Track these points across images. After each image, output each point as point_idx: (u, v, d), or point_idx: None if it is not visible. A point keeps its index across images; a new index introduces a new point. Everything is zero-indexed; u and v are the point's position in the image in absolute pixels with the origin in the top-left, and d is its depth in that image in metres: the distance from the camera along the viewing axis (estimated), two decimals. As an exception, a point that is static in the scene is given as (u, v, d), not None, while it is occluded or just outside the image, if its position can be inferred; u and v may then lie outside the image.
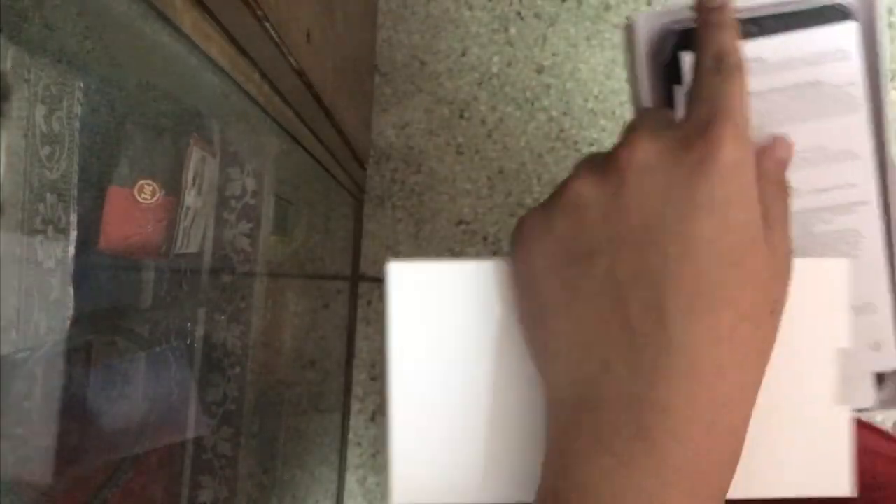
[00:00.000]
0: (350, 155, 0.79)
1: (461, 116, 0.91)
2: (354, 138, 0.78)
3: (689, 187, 0.21)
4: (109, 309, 0.41)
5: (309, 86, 0.53)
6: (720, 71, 0.23)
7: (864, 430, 0.65)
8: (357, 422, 0.91)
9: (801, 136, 0.25)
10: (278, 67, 0.46)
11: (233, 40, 0.39)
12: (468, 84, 0.90)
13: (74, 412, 0.37)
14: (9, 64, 0.26)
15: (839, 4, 0.26)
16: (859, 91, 0.25)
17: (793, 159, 0.24)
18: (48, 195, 0.32)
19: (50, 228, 0.32)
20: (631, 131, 0.23)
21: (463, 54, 0.91)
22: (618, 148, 0.23)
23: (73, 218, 0.34)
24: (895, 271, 0.27)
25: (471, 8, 0.91)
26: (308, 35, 0.51)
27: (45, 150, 0.31)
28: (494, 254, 0.90)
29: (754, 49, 0.25)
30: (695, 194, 0.21)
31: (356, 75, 0.78)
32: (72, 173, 0.33)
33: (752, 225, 0.22)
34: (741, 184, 0.21)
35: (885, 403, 0.28)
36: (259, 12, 0.40)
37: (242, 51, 0.41)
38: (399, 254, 0.90)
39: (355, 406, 0.91)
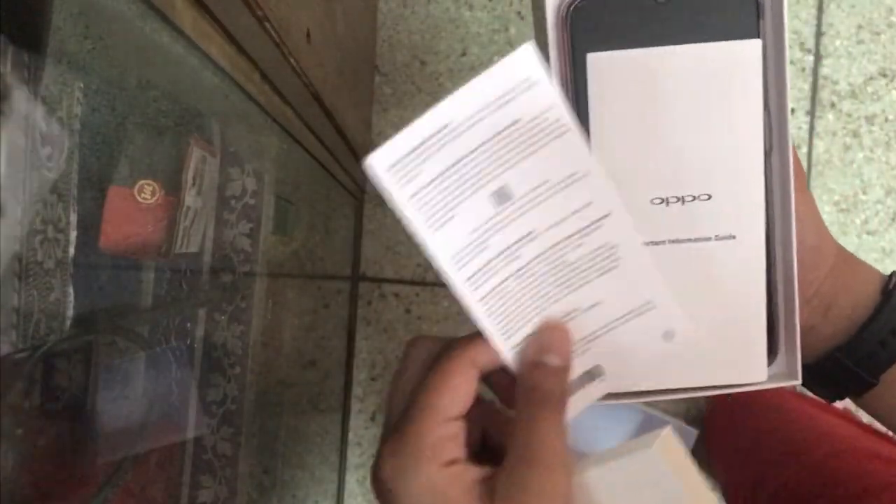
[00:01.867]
0: (350, 155, 0.79)
1: (461, 116, 0.91)
2: (354, 138, 0.78)
3: None
4: (109, 309, 0.41)
5: (309, 86, 0.53)
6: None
7: (867, 433, 0.65)
8: (357, 422, 0.91)
9: (523, 178, 0.25)
10: (278, 67, 0.46)
11: (233, 40, 0.39)
12: (468, 84, 0.90)
13: (74, 412, 0.37)
14: (9, 64, 0.26)
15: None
16: (559, 112, 0.24)
17: (523, 201, 0.25)
18: (48, 195, 0.32)
19: (50, 228, 0.32)
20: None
21: (463, 54, 0.91)
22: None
23: (73, 218, 0.34)
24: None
25: (471, 8, 0.91)
26: (308, 35, 0.51)
27: (45, 150, 0.31)
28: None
29: (440, 119, 0.24)
30: None
31: (356, 75, 0.78)
32: (72, 173, 0.33)
33: None
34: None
35: (777, 378, 0.29)
36: (259, 12, 0.40)
37: (242, 51, 0.41)
38: (399, 254, 0.90)
39: (355, 406, 0.91)
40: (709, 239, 0.28)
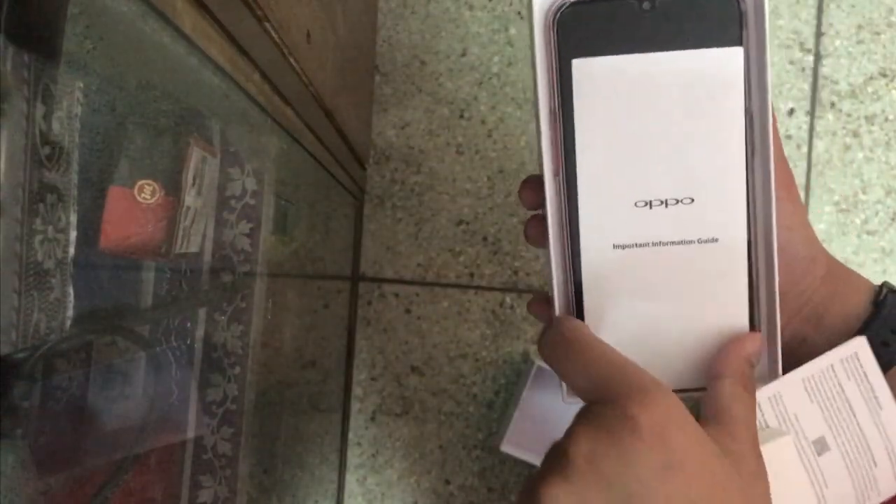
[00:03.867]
0: (350, 155, 0.79)
1: (461, 116, 0.91)
2: (354, 138, 0.78)
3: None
4: (109, 309, 0.41)
5: (309, 86, 0.53)
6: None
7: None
8: (357, 422, 0.91)
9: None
10: (278, 67, 0.47)
11: (233, 40, 0.39)
12: (468, 84, 0.90)
13: (74, 412, 0.37)
14: (9, 64, 0.26)
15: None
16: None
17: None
18: (48, 195, 0.32)
19: (50, 228, 0.32)
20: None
21: (463, 54, 0.91)
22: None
23: (73, 218, 0.34)
24: None
25: (471, 8, 0.91)
26: (308, 35, 0.51)
27: (45, 150, 0.31)
28: (495, 254, 0.90)
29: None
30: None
31: (356, 75, 0.78)
32: (72, 173, 0.33)
33: (706, 467, 0.24)
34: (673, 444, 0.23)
35: (758, 380, 0.30)
36: (259, 12, 0.40)
37: (242, 51, 0.41)
38: (399, 254, 0.90)
39: (355, 406, 0.91)
40: (692, 242, 0.28)
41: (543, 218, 0.29)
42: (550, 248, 0.29)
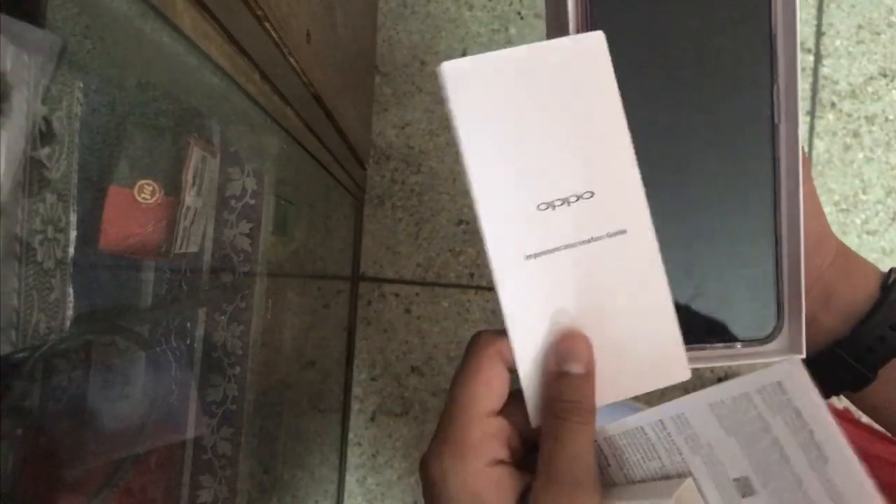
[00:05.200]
0: (350, 155, 0.79)
1: (461, 116, 0.91)
2: (354, 138, 0.78)
3: None
4: (109, 309, 0.41)
5: (309, 86, 0.53)
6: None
7: (864, 432, 0.65)
8: (357, 422, 0.91)
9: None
10: (278, 67, 0.46)
11: (233, 40, 0.39)
12: (468, 84, 0.90)
13: (74, 412, 0.37)
14: (9, 64, 0.26)
15: None
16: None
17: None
18: (48, 195, 0.32)
19: (50, 228, 0.32)
20: None
21: (463, 54, 0.91)
22: None
23: (73, 218, 0.34)
24: None
25: (471, 8, 0.91)
26: (308, 35, 0.51)
27: (45, 150, 0.31)
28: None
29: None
30: None
31: (356, 75, 0.78)
32: (72, 173, 0.33)
33: None
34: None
35: (781, 351, 0.29)
36: (259, 12, 0.40)
37: (242, 51, 0.41)
38: (399, 254, 0.90)
39: (355, 406, 0.91)
40: (601, 237, 0.26)
41: None
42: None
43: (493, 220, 0.26)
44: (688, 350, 0.27)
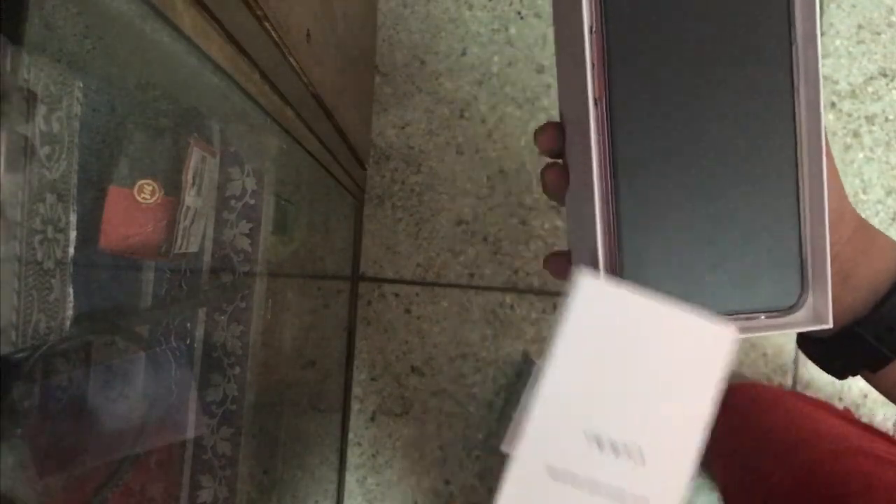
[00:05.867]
0: (350, 155, 0.79)
1: (461, 116, 0.91)
2: (354, 138, 0.78)
3: None
4: (109, 309, 0.41)
5: (309, 85, 0.53)
6: None
7: (864, 432, 0.65)
8: (357, 422, 0.91)
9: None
10: (278, 67, 0.46)
11: (233, 40, 0.39)
12: (468, 84, 0.90)
13: (74, 412, 0.37)
14: (9, 64, 0.26)
15: None
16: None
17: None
18: (48, 195, 0.32)
19: (50, 228, 0.32)
20: None
21: (463, 54, 0.91)
22: None
23: (73, 218, 0.34)
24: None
25: (471, 8, 0.91)
26: (308, 35, 0.51)
27: (45, 150, 0.31)
28: (495, 254, 0.90)
29: None
30: None
31: (356, 75, 0.78)
32: (71, 173, 0.33)
33: None
34: None
35: (807, 321, 0.28)
36: (259, 12, 0.40)
37: (242, 50, 0.41)
38: (399, 254, 0.90)
39: (355, 406, 0.91)
40: (622, 490, 0.25)
41: (564, 165, 0.27)
42: (592, 186, 0.27)
43: (546, 407, 0.25)
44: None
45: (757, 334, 0.28)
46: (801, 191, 0.27)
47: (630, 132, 0.26)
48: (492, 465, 0.90)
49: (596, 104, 0.26)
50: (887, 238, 0.33)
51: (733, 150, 0.26)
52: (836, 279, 0.31)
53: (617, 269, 0.27)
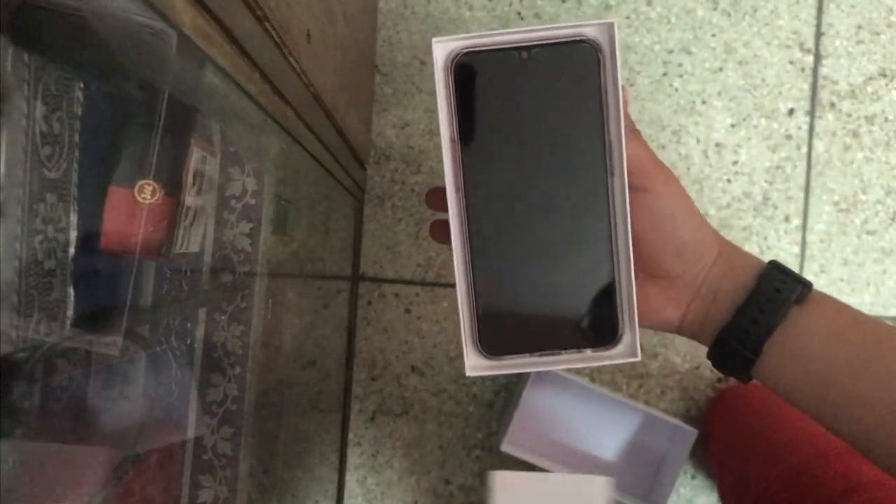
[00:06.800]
0: (350, 155, 0.79)
1: (461, 116, 0.91)
2: (355, 138, 0.78)
3: None
4: (110, 309, 0.41)
5: (309, 86, 0.53)
6: None
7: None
8: (357, 422, 0.91)
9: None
10: (278, 67, 0.47)
11: (233, 40, 0.39)
12: (468, 84, 0.90)
13: (75, 412, 0.37)
14: (9, 64, 0.27)
15: (583, 38, 0.33)
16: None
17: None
18: (48, 195, 0.32)
19: (50, 228, 0.32)
20: None
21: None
22: None
23: (73, 218, 0.34)
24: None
25: (471, 8, 0.91)
26: (308, 35, 0.51)
27: (46, 150, 0.31)
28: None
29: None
30: None
31: (356, 75, 0.78)
32: (72, 173, 0.33)
33: None
34: None
35: (622, 355, 0.35)
36: (259, 12, 0.40)
37: (243, 51, 0.41)
38: (399, 254, 0.90)
39: (355, 406, 0.91)
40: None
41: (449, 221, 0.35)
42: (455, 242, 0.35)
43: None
44: (545, 355, 0.34)
45: (585, 365, 0.35)
46: (614, 256, 0.34)
47: (480, 216, 0.34)
48: (492, 465, 0.90)
49: (456, 193, 0.34)
50: (746, 256, 0.38)
51: (562, 226, 0.34)
52: (707, 299, 0.38)
53: (478, 323, 0.34)
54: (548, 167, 0.34)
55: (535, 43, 0.33)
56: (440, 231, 0.38)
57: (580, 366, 0.35)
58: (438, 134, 0.34)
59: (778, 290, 0.36)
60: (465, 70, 0.33)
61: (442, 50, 0.33)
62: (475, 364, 0.35)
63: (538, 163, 0.34)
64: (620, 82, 0.33)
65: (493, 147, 0.34)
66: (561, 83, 0.33)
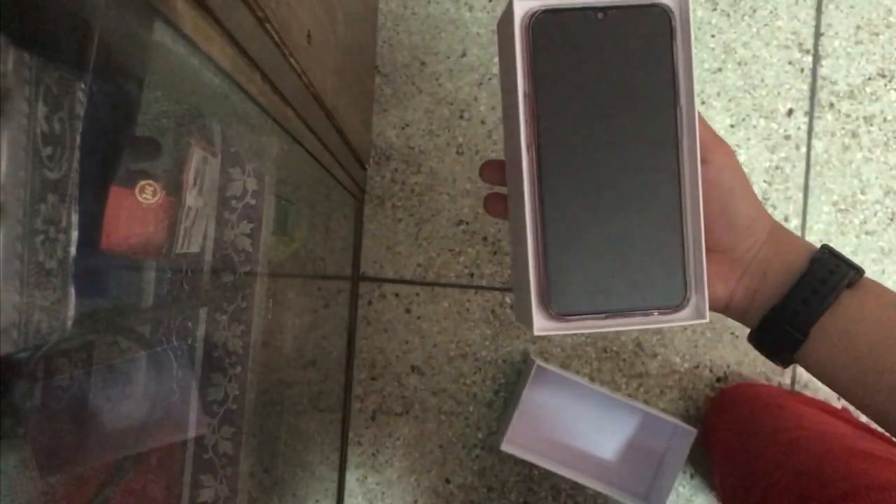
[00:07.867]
0: (351, 155, 0.79)
1: (461, 117, 0.91)
2: (355, 138, 0.78)
3: None
4: (111, 309, 0.41)
5: (309, 86, 0.53)
6: None
7: (862, 431, 0.65)
8: (357, 421, 0.91)
9: None
10: (279, 68, 0.47)
11: (234, 41, 0.39)
12: (468, 84, 0.91)
13: (76, 412, 0.37)
14: (9, 64, 0.27)
15: (658, 4, 0.34)
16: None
17: None
18: (49, 195, 0.32)
19: (51, 228, 0.32)
20: None
21: (463, 55, 0.91)
22: None
23: (75, 218, 0.34)
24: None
25: (471, 9, 0.91)
26: (308, 36, 0.51)
27: (46, 150, 0.31)
28: (495, 254, 0.90)
29: None
30: None
31: (356, 76, 0.78)
32: (73, 173, 0.34)
33: None
34: None
35: (689, 316, 0.35)
36: (260, 13, 0.40)
37: (243, 51, 0.41)
38: (399, 254, 0.91)
39: (355, 405, 0.91)
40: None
41: (503, 195, 0.35)
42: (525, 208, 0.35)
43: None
44: (613, 317, 0.34)
45: (653, 326, 0.35)
46: (684, 218, 0.35)
47: (553, 174, 0.34)
48: (492, 464, 0.90)
49: (528, 150, 0.34)
50: (796, 238, 0.39)
51: (633, 188, 0.34)
52: (756, 277, 0.38)
53: (547, 283, 0.34)
54: (619, 128, 0.34)
55: (612, 4, 0.33)
56: (495, 204, 0.38)
57: (648, 327, 0.35)
58: (497, 95, 0.33)
59: (831, 271, 0.36)
60: (542, 28, 0.33)
61: (521, 8, 0.34)
62: (543, 325, 0.34)
63: (610, 123, 0.34)
64: (693, 49, 0.34)
65: (567, 105, 0.34)
66: (635, 46, 0.34)
